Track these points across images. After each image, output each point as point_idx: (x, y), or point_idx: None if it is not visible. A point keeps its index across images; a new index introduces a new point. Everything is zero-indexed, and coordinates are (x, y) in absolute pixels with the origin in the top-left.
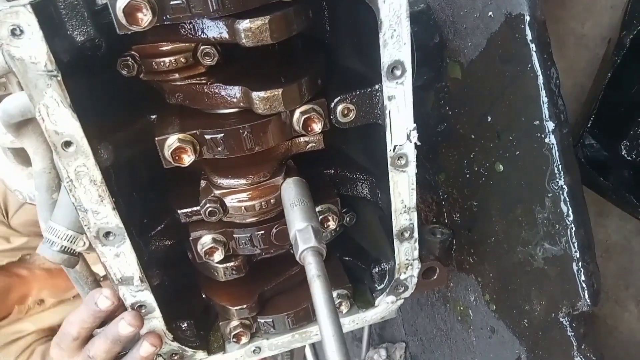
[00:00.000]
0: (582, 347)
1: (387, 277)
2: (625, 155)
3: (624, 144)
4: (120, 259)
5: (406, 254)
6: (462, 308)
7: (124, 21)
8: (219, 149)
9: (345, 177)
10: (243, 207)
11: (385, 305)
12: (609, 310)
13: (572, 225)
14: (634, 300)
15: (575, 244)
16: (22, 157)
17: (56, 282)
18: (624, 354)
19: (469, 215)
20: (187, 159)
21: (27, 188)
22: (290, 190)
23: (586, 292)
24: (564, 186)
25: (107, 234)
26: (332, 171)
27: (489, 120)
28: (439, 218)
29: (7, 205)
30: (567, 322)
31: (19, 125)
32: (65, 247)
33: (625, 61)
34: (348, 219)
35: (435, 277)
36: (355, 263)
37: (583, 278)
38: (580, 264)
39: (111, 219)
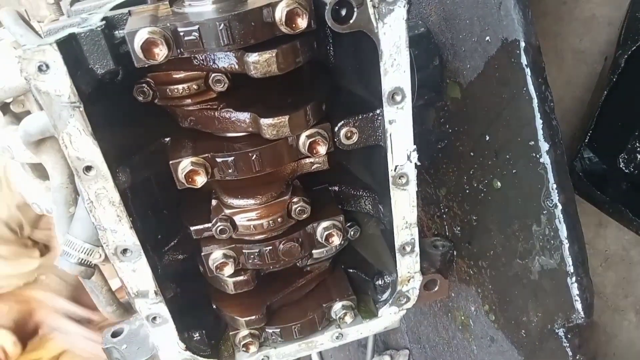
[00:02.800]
0: (577, 357)
1: (389, 289)
2: (624, 168)
3: (622, 157)
4: (137, 274)
5: (408, 267)
6: (463, 318)
7: (141, 56)
8: (230, 171)
9: (349, 194)
10: (252, 226)
11: (388, 316)
12: (609, 318)
13: (566, 242)
14: (633, 309)
15: (569, 259)
16: (39, 171)
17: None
18: None
19: (468, 229)
20: (200, 180)
21: (44, 201)
22: None
23: (580, 305)
24: (558, 204)
25: (125, 251)
26: (337, 188)
27: (487, 139)
28: (441, 230)
29: (23, 220)
30: (563, 334)
31: (38, 143)
32: (82, 259)
33: (620, 79)
34: (352, 232)
35: (436, 289)
36: (359, 275)
37: (577, 292)
38: (574, 278)
39: (128, 237)
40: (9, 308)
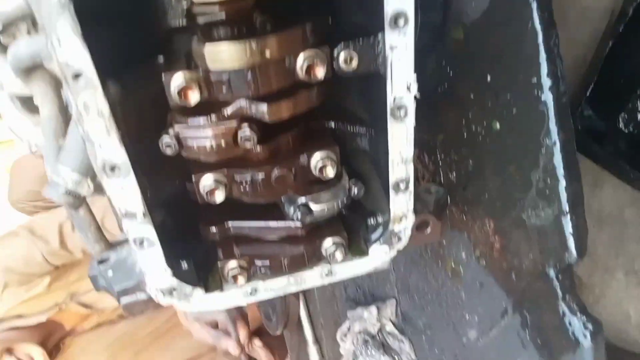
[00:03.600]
0: (567, 297)
1: (381, 228)
2: (623, 128)
3: (622, 116)
4: (125, 193)
5: (401, 206)
6: (453, 265)
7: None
8: (223, 91)
9: (345, 131)
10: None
11: (378, 255)
12: (598, 279)
13: (564, 181)
14: (622, 269)
15: (565, 198)
16: (29, 106)
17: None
18: (611, 321)
19: (464, 174)
20: (194, 98)
21: (33, 136)
22: None
23: (573, 244)
24: (557, 142)
25: (113, 168)
26: (333, 124)
27: (488, 79)
28: (435, 178)
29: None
30: (554, 274)
31: (28, 71)
32: (70, 189)
33: (627, 31)
34: (356, 190)
35: (429, 231)
36: (351, 215)
37: (571, 231)
38: (569, 217)
39: (117, 152)
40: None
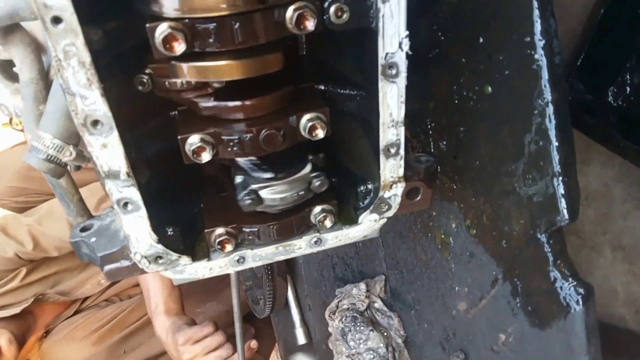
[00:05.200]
0: (558, 262)
1: (371, 196)
2: (612, 101)
3: (611, 90)
4: (108, 150)
5: (391, 171)
6: (443, 236)
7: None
8: (210, 40)
9: (335, 93)
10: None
11: (368, 224)
12: (585, 256)
13: (556, 141)
14: (610, 245)
15: (557, 159)
16: (8, 72)
17: (64, 313)
18: (598, 298)
19: (455, 142)
20: (178, 47)
21: (12, 103)
22: None
23: (565, 207)
24: (550, 103)
25: (95, 122)
26: (323, 87)
27: (481, 41)
28: (426, 148)
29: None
30: (545, 239)
31: (6, 32)
32: (52, 156)
33: (617, 2)
34: (317, 184)
35: (418, 198)
36: (341, 183)
37: (562, 192)
38: (560, 179)
39: (99, 106)
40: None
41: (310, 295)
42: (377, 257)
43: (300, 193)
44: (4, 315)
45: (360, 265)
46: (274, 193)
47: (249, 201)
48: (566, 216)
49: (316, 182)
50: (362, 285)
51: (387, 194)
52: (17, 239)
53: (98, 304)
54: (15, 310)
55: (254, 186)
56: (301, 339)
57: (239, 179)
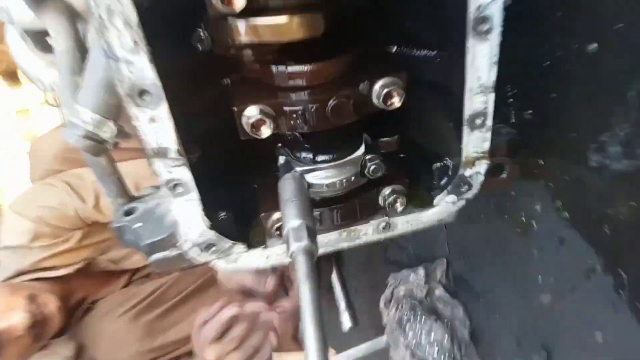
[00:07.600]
0: None
1: (449, 174)
2: None
3: None
4: (157, 124)
5: (475, 146)
6: (524, 219)
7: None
8: None
9: (409, 56)
10: None
11: (444, 206)
12: None
13: None
14: None
15: None
16: (42, 44)
17: (110, 287)
18: None
19: (544, 110)
20: (238, 1)
21: (47, 76)
22: (288, 185)
23: None
24: None
25: (142, 92)
26: (395, 48)
27: None
28: (507, 119)
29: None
30: None
31: (40, 0)
32: (90, 132)
33: None
34: (372, 168)
35: (504, 176)
36: (412, 160)
37: None
38: None
39: (147, 72)
40: None
41: (356, 277)
42: (438, 239)
43: (352, 179)
44: (53, 275)
45: (416, 248)
46: (319, 178)
47: None
48: None
49: (371, 166)
50: (421, 271)
51: (468, 172)
52: (80, 195)
53: (141, 277)
54: (65, 271)
55: (298, 169)
56: (347, 323)
57: (282, 159)
